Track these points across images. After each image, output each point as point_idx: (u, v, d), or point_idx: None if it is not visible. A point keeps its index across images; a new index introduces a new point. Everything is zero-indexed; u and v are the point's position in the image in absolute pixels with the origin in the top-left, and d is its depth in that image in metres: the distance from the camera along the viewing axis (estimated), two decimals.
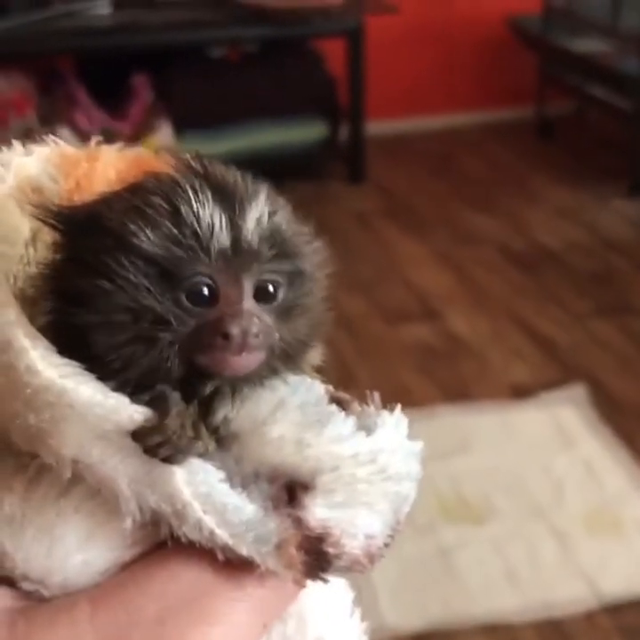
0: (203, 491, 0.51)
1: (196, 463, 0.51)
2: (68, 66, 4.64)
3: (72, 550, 0.53)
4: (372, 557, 0.53)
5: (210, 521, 0.51)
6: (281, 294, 0.54)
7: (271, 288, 0.54)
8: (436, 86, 5.48)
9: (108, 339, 0.53)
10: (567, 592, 2.41)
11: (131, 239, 0.53)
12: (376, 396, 0.56)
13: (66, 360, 0.52)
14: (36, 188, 0.58)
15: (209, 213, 0.53)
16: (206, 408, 0.53)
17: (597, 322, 3.55)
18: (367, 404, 0.55)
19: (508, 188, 4.72)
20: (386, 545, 0.54)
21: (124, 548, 0.53)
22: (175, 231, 0.52)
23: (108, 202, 0.55)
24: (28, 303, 0.54)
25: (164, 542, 0.53)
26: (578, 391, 3.13)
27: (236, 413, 0.53)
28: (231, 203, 0.53)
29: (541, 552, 2.53)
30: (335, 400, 0.55)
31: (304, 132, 4.74)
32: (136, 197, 0.54)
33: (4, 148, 0.59)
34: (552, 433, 2.97)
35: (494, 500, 2.71)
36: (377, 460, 0.53)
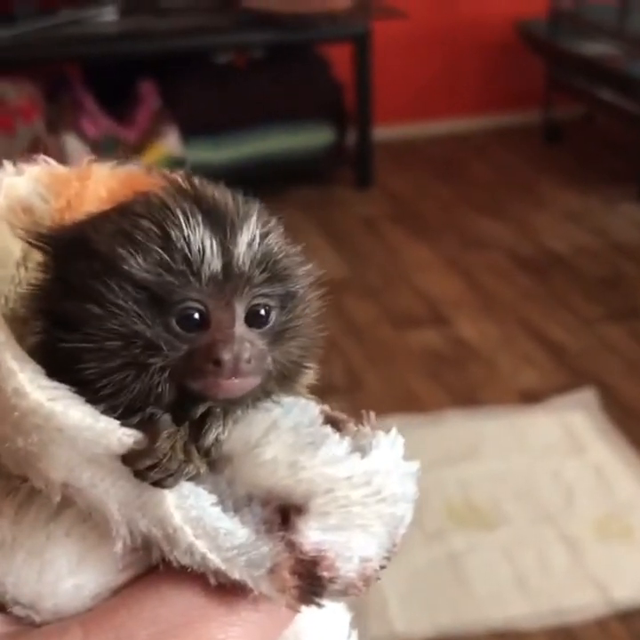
0: (194, 515, 0.50)
1: (186, 486, 0.51)
2: (75, 73, 4.65)
3: (63, 574, 0.52)
4: (367, 580, 0.52)
5: (201, 545, 0.50)
6: (273, 318, 0.54)
7: (263, 312, 0.54)
8: (443, 91, 5.48)
9: (98, 364, 0.52)
10: (578, 598, 2.39)
11: (120, 264, 0.52)
12: (371, 415, 0.55)
13: (55, 383, 0.51)
14: (26, 208, 0.58)
15: (199, 238, 0.52)
16: (197, 430, 0.52)
17: (607, 326, 3.53)
18: (363, 423, 0.54)
19: (516, 193, 4.71)
20: (382, 567, 0.53)
21: (116, 573, 0.52)
22: (165, 256, 0.52)
23: (95, 224, 0.54)
24: (20, 323, 0.54)
25: (156, 566, 0.52)
26: (587, 396, 3.12)
27: (227, 435, 0.52)
28: (222, 226, 0.53)
29: (551, 558, 2.51)
30: (330, 420, 0.54)
31: (311, 138, 4.74)
32: (125, 220, 0.53)
33: None
34: (562, 438, 2.95)
35: (504, 505, 2.70)
36: (372, 481, 0.52)
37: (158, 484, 0.50)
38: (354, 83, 4.73)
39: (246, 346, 0.52)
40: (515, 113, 5.53)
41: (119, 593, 0.52)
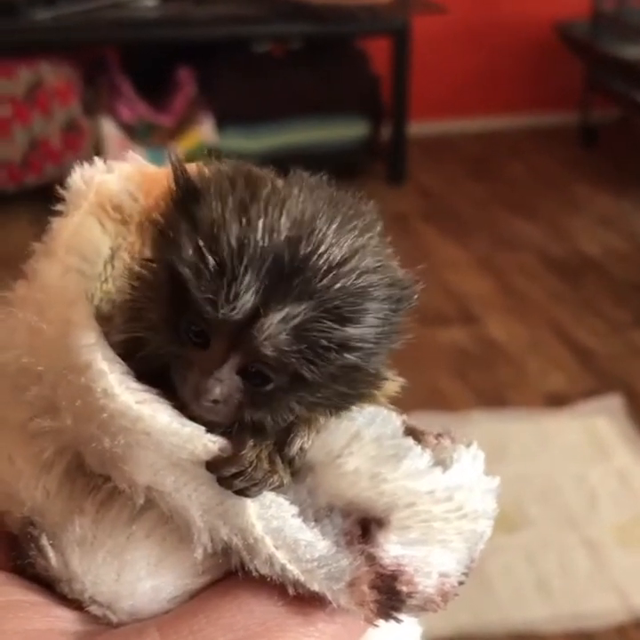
0: (275, 525, 0.50)
1: (269, 496, 0.51)
2: (114, 57, 4.66)
3: (142, 575, 0.52)
4: (445, 596, 0.52)
5: (282, 556, 0.50)
6: (270, 386, 0.51)
7: (256, 377, 0.51)
8: (480, 88, 5.45)
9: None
10: (598, 604, 2.38)
11: (173, 244, 0.50)
12: (452, 429, 0.55)
13: (143, 385, 0.52)
14: (116, 206, 0.57)
15: (248, 282, 0.48)
16: (282, 439, 0.52)
17: (636, 332, 3.51)
18: (442, 436, 0.54)
19: (550, 194, 4.68)
20: (460, 583, 0.53)
21: (195, 576, 0.52)
22: (211, 261, 0.49)
23: (203, 184, 0.52)
24: (104, 321, 0.54)
25: (233, 571, 0.52)
26: (614, 402, 3.10)
27: (311, 444, 0.52)
28: (275, 287, 0.49)
29: (573, 563, 2.50)
30: (410, 432, 0.53)
31: (345, 131, 4.73)
32: (227, 195, 0.50)
33: (85, 165, 0.58)
34: (587, 443, 2.94)
35: (527, 508, 2.69)
36: (454, 497, 0.52)
37: (242, 492, 0.50)
38: (391, 77, 4.71)
39: (215, 391, 0.50)
40: (551, 114, 5.50)
41: (197, 597, 0.52)
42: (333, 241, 0.50)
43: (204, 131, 4.57)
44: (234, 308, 0.48)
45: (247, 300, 0.48)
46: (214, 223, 0.49)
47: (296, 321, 0.48)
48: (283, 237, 0.49)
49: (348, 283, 0.49)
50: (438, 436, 0.54)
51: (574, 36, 5.16)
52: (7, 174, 4.32)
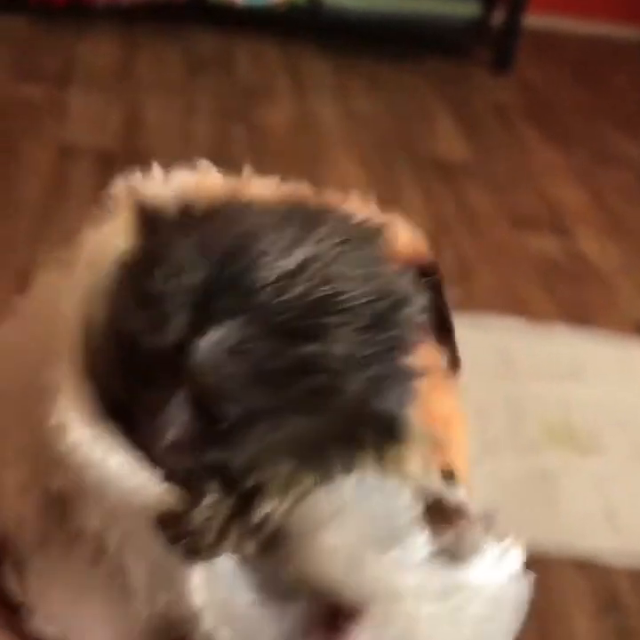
0: (220, 597, 0.43)
1: (221, 565, 0.43)
2: None
3: (90, 624, 0.47)
4: None
5: (224, 635, 0.43)
6: (226, 421, 0.46)
7: (210, 413, 0.46)
8: None
9: None
10: None
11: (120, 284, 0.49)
12: (490, 516, 0.48)
13: (102, 423, 0.45)
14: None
15: (176, 303, 0.45)
16: (251, 500, 0.44)
17: None
18: (472, 522, 0.47)
19: None
20: None
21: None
22: (138, 289, 0.46)
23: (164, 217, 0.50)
24: None
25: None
26: None
27: (283, 512, 0.44)
28: (207, 307, 0.46)
29: None
30: (437, 510, 0.46)
31: (456, 7, 4.45)
32: (173, 224, 0.49)
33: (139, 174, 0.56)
34: None
35: (602, 434, 2.59)
36: (451, 597, 0.44)
37: (189, 555, 0.43)
38: None
39: (166, 432, 0.45)
40: None
41: None
42: (279, 252, 0.47)
43: None
44: (163, 334, 0.45)
45: (176, 322, 0.45)
46: (148, 252, 0.46)
47: (233, 340, 0.45)
48: (218, 254, 0.46)
49: (298, 294, 0.46)
50: (470, 521, 0.47)
51: None
52: None
